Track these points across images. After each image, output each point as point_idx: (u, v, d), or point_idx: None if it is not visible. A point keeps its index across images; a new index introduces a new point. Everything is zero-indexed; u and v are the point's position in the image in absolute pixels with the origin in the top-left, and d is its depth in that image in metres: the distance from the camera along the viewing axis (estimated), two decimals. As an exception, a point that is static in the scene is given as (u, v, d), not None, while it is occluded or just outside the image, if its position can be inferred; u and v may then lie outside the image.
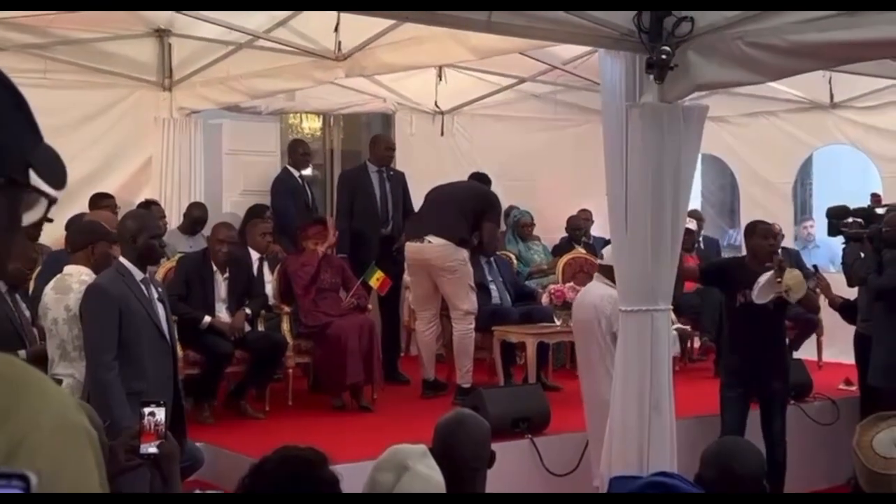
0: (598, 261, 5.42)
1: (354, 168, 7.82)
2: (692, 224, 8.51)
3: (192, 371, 5.91)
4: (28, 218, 1.01)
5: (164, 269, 6.22)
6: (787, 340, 6.96)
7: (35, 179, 1.01)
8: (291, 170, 7.87)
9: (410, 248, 6.54)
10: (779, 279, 5.26)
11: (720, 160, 10.12)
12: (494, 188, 9.02)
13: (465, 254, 6.44)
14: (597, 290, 5.22)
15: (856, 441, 2.51)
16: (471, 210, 6.55)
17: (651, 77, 4.13)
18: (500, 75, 8.19)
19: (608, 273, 4.98)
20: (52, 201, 1.03)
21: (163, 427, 3.07)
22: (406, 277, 7.49)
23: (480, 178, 7.72)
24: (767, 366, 5.45)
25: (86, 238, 4.54)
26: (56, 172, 1.03)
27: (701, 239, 9.23)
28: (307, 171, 8.06)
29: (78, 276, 4.37)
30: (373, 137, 7.81)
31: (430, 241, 6.41)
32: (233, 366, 6.07)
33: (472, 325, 6.49)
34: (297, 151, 7.96)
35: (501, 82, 8.41)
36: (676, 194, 4.31)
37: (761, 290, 5.26)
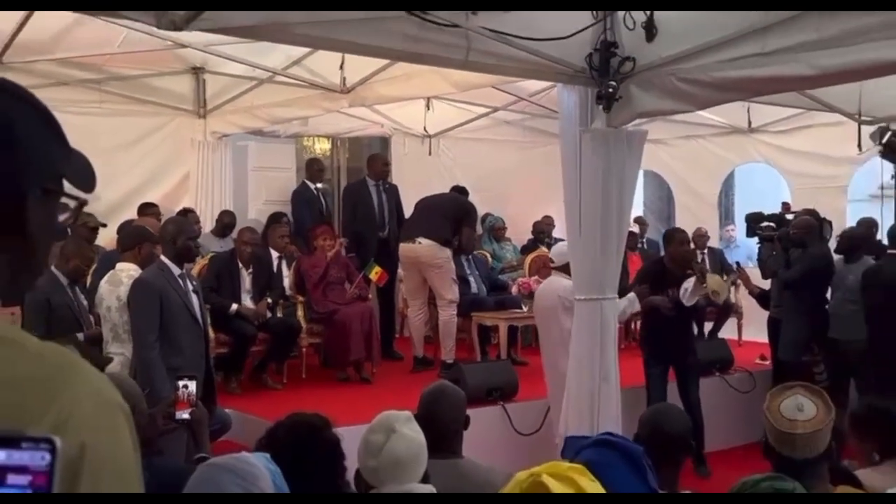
0: (551, 264, 5.35)
1: (356, 182, 7.76)
2: (636, 228, 8.56)
3: (222, 350, 5.87)
4: (62, 218, 0.98)
5: (199, 266, 6.20)
6: (707, 324, 7.00)
7: (68, 186, 0.98)
8: (308, 183, 7.82)
9: (403, 247, 6.53)
10: (704, 284, 5.28)
11: (658, 175, 10.14)
12: (472, 198, 9.01)
13: (448, 252, 6.44)
14: (559, 282, 5.22)
15: (766, 406, 2.51)
16: (452, 216, 6.55)
17: (600, 107, 4.14)
18: (478, 105, 8.16)
19: (563, 270, 4.99)
20: (82, 203, 0.99)
21: (194, 397, 3.05)
22: (400, 272, 7.49)
23: (460, 191, 7.72)
24: (680, 346, 5.45)
25: (134, 240, 4.54)
26: (86, 178, 0.99)
27: (644, 240, 9.26)
28: (321, 185, 8.01)
29: (127, 272, 4.36)
30: (371, 156, 7.76)
31: (420, 242, 6.40)
32: (256, 346, 6.05)
33: (455, 312, 6.49)
34: (312, 168, 7.91)
35: (479, 111, 8.39)
36: (621, 203, 4.31)
37: (690, 294, 5.28)
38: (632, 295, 5.12)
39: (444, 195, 7.10)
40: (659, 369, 5.45)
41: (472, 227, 6.81)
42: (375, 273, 6.58)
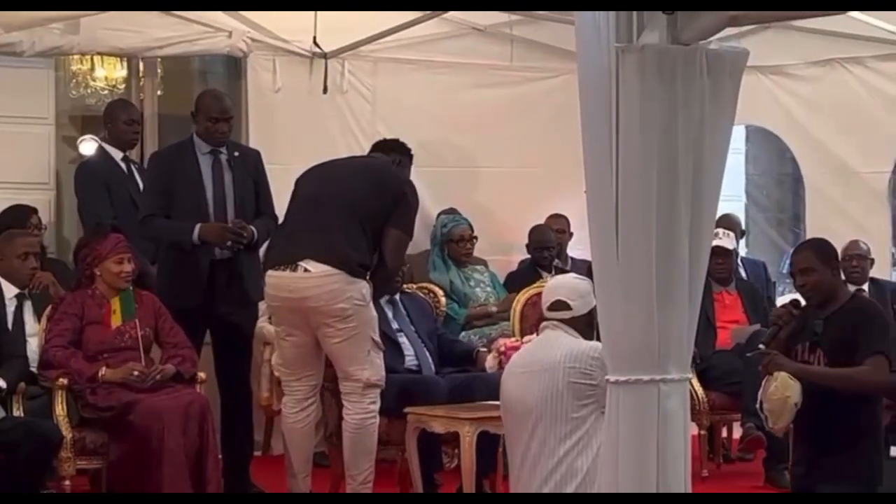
0: (549, 314, 5.47)
1: (172, 146, 7.69)
2: (728, 240, 8.62)
3: None
4: None
5: None
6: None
7: None
8: (110, 149, 7.87)
9: (275, 280, 6.60)
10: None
11: (774, 136, 10.25)
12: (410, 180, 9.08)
13: (364, 288, 6.54)
14: (564, 344, 5.27)
15: None
16: (371, 210, 6.62)
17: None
18: (419, -4, 8.22)
19: (577, 326, 5.07)
20: None
21: None
22: (265, 327, 7.42)
23: (389, 149, 7.47)
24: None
25: None
26: None
27: (740, 260, 9.32)
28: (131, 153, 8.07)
29: None
30: (200, 95, 7.67)
31: (306, 270, 6.48)
32: (-30, 476, 5.97)
33: (376, 405, 6.58)
34: (118, 117, 7.98)
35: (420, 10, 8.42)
36: (699, 191, 4.33)
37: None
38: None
39: (352, 164, 7.16)
40: None
41: (405, 230, 6.84)
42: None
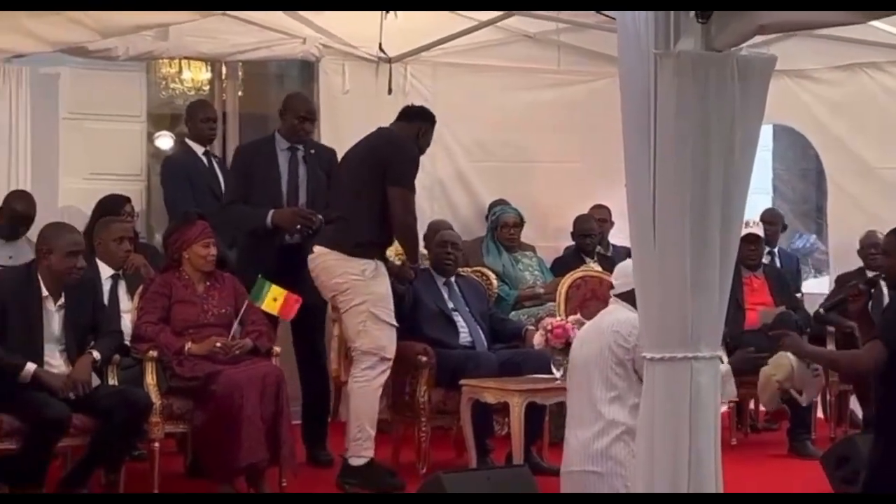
0: (613, 291, 5.45)
1: (256, 141, 7.78)
2: (758, 229, 8.59)
3: (8, 445, 5.88)
4: None
5: (-34, 292, 6.20)
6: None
7: None
8: (192, 145, 7.88)
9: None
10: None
11: (798, 135, 10.20)
12: (467, 176, 9.09)
13: (360, 265, 6.61)
14: (618, 316, 5.27)
15: None
16: (369, 182, 6.64)
17: (691, 14, 4.15)
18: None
19: (631, 300, 5.03)
20: None
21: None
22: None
23: (412, 116, 7.06)
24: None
25: None
26: None
27: (777, 251, 9.30)
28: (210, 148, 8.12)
29: None
30: (288, 96, 7.76)
31: (313, 251, 6.72)
32: (70, 437, 6.05)
33: (372, 372, 6.62)
34: (197, 116, 7.99)
35: (478, 16, 8.42)
36: (729, 184, 4.31)
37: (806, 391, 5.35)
38: (725, 367, 5.14)
39: (357, 146, 7.01)
40: None
41: (403, 184, 6.69)
42: (273, 298, 6.61)
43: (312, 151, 7.49)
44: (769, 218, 9.58)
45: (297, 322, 7.16)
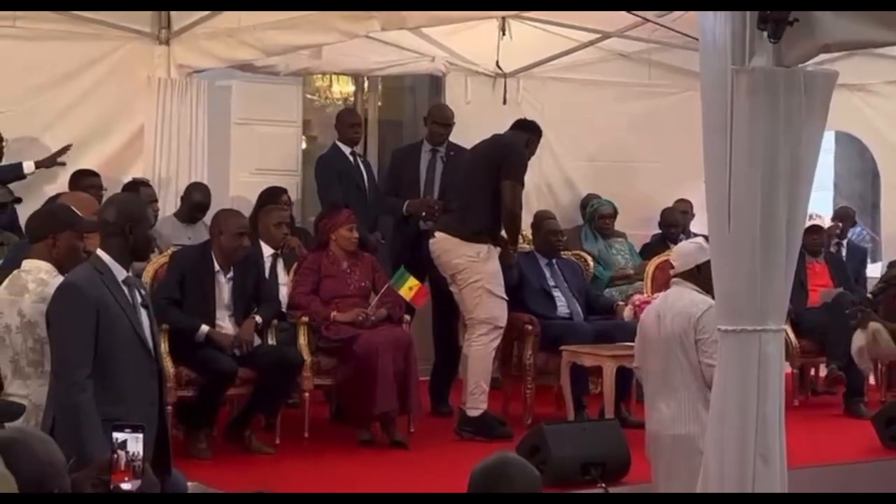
0: (673, 272, 5.25)
1: (406, 146, 8.13)
2: (821, 221, 8.44)
3: (186, 393, 5.99)
4: None
5: (154, 267, 6.32)
6: None
7: None
8: (341, 146, 7.94)
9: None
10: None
11: (856, 140, 10.01)
12: (568, 173, 9.03)
13: (475, 248, 6.62)
14: (683, 297, 5.13)
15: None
16: (484, 179, 6.68)
17: (765, 34, 4.06)
18: (579, 29, 8.14)
19: (691, 279, 4.94)
20: None
21: (140, 462, 3.09)
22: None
23: (522, 127, 7.24)
24: None
25: (46, 227, 4.44)
26: None
27: (845, 243, 9.14)
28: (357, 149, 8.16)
29: (36, 274, 4.32)
30: (431, 107, 8.10)
31: (434, 237, 6.77)
32: (236, 387, 6.14)
33: (486, 338, 6.62)
34: (345, 122, 8.05)
35: (580, 38, 8.36)
36: (795, 182, 4.22)
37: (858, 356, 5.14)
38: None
39: (477, 146, 7.14)
40: None
41: (514, 178, 6.72)
42: (409, 287, 6.65)
43: (452, 153, 7.61)
44: (842, 213, 9.62)
45: (436, 297, 7.25)
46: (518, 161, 6.80)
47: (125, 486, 3.04)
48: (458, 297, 6.75)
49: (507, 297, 6.70)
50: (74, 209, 4.60)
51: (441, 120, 7.70)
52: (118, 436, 3.09)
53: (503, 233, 6.85)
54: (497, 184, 6.63)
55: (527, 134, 7.07)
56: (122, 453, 3.08)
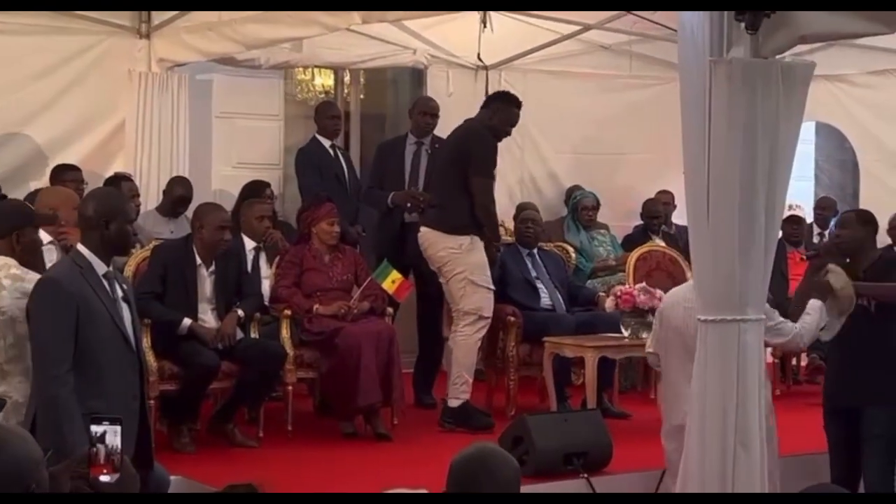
0: None
1: (391, 140, 8.11)
2: (800, 211, 8.49)
3: (169, 387, 5.97)
4: None
5: (135, 261, 6.30)
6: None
7: None
8: (321, 139, 7.92)
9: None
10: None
11: (836, 131, 10.05)
12: (551, 165, 9.04)
13: (457, 240, 6.62)
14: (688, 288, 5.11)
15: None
16: (455, 173, 6.69)
17: (742, 25, 4.08)
18: (560, 21, 8.13)
19: None
20: None
21: (118, 455, 3.08)
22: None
23: (490, 100, 7.03)
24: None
25: (9, 223, 4.46)
26: None
27: (828, 233, 9.18)
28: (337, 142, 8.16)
29: (7, 270, 4.31)
30: (417, 99, 8.08)
31: (420, 231, 6.80)
32: (219, 381, 6.13)
33: (471, 329, 6.61)
34: (325, 115, 8.02)
35: (561, 30, 8.36)
36: (773, 172, 4.26)
37: (828, 324, 5.05)
38: (817, 303, 4.96)
39: (448, 139, 7.13)
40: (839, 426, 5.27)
41: (482, 174, 6.68)
42: (392, 281, 6.65)
43: (436, 146, 7.59)
44: (824, 204, 9.66)
45: (421, 289, 7.29)
46: (483, 154, 6.68)
47: (104, 479, 3.03)
48: (445, 290, 6.76)
49: (493, 287, 6.70)
50: (27, 204, 4.61)
51: (427, 110, 7.72)
52: (97, 429, 3.07)
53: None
54: (466, 177, 6.61)
55: (493, 106, 6.85)
56: (100, 446, 3.07)
